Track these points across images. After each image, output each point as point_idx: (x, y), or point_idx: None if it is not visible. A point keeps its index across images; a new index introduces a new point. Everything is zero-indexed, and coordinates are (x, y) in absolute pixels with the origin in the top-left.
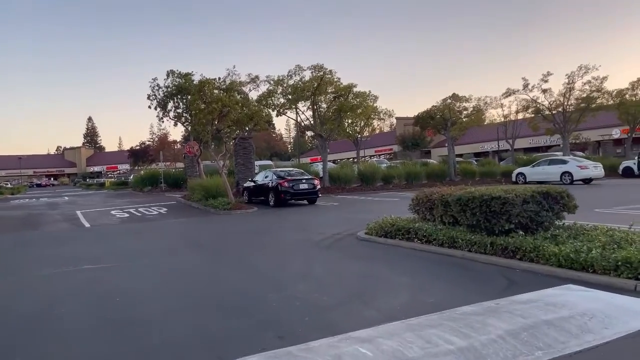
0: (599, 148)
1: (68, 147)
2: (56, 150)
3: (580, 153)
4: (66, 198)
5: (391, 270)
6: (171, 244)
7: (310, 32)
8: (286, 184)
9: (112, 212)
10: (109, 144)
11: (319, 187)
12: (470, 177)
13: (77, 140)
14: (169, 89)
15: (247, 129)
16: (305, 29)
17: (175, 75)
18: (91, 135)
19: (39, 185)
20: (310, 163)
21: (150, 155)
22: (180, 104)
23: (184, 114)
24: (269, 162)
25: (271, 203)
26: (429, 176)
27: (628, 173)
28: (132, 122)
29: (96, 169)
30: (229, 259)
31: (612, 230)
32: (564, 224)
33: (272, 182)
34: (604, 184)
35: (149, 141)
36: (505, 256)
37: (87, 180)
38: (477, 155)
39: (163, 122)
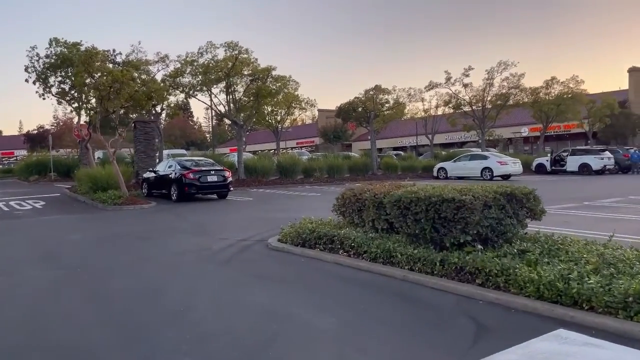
0: (508, 145)
1: None
2: None
3: (493, 150)
4: None
5: (308, 304)
6: (18, 254)
7: (226, 11)
8: (191, 176)
9: None
10: (9, 128)
11: (230, 179)
12: (392, 172)
13: None
14: (51, 60)
15: (149, 111)
16: (221, 7)
17: (60, 44)
18: None
19: None
20: (228, 153)
21: (48, 141)
22: (67, 79)
23: (71, 91)
24: (182, 151)
25: (174, 197)
26: (352, 170)
27: (541, 170)
28: (37, 105)
29: None
30: (84, 282)
31: (591, 243)
32: (526, 233)
33: (176, 173)
34: (521, 180)
35: (52, 126)
36: (461, 279)
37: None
38: (395, 149)
39: (44, 99)
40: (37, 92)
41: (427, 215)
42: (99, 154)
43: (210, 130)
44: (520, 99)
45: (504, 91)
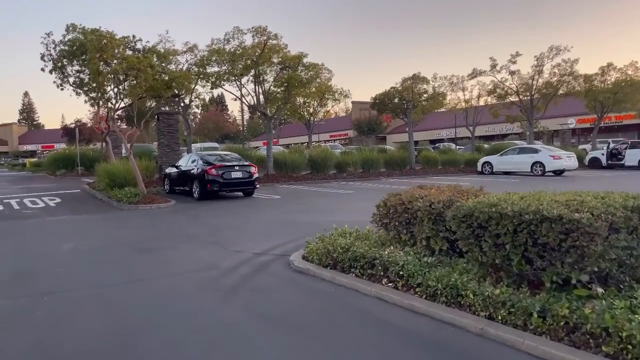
0: (552, 137)
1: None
2: None
3: (539, 142)
4: None
5: None
6: None
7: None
8: (214, 172)
9: None
10: (51, 121)
11: (256, 176)
12: (432, 166)
13: (14, 117)
14: (67, 47)
15: (177, 103)
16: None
17: (78, 30)
18: (27, 111)
19: None
20: (259, 147)
21: (84, 134)
22: (84, 67)
23: (89, 81)
24: (214, 144)
25: (195, 195)
26: (388, 164)
27: (595, 164)
28: (77, 98)
29: (30, 147)
30: (38, 320)
31: None
32: None
33: (198, 169)
34: (577, 176)
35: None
36: (575, 343)
37: (20, 159)
38: (432, 142)
39: (62, 89)
40: (54, 82)
41: (515, 240)
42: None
43: (242, 122)
44: (572, 87)
45: (555, 79)
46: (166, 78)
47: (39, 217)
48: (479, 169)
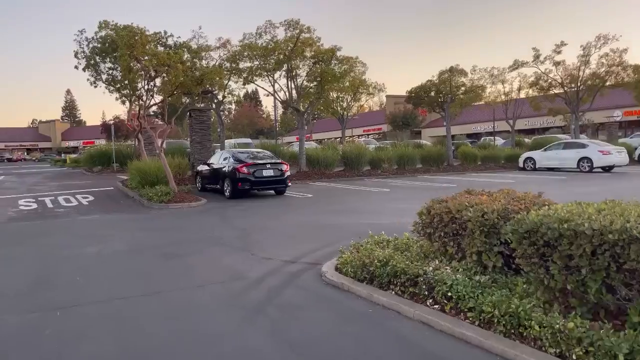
0: (597, 131)
1: (44, 120)
2: (31, 124)
3: (583, 136)
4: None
5: None
6: (6, 278)
7: None
8: (245, 170)
9: (21, 201)
10: (93, 118)
11: (288, 173)
12: (470, 162)
13: (57, 114)
14: (99, 45)
15: (211, 99)
16: None
17: (110, 27)
18: (70, 108)
19: (9, 160)
20: (292, 142)
21: (122, 131)
22: (117, 64)
23: (121, 78)
24: (247, 140)
25: (226, 193)
26: (424, 160)
27: None
28: (112, 97)
29: (72, 143)
30: (44, 340)
31: None
32: None
33: (229, 167)
34: (628, 172)
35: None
36: None
37: (62, 155)
38: (469, 136)
39: (95, 86)
40: (88, 80)
41: (593, 264)
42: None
43: (275, 118)
44: (621, 78)
45: (602, 69)
46: (197, 74)
47: (70, 216)
48: (521, 164)
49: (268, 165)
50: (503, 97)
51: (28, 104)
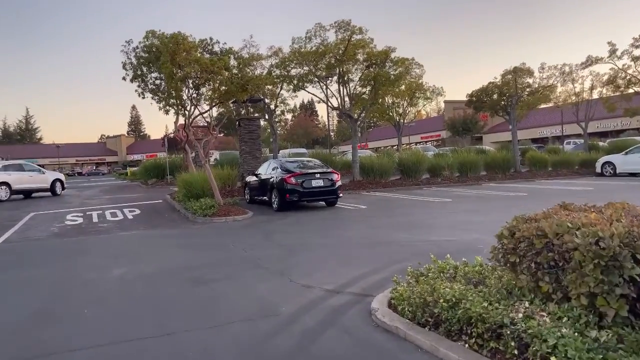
0: None
1: (111, 135)
2: (99, 139)
3: None
4: None
5: None
6: (8, 307)
7: None
8: (293, 180)
9: (70, 215)
10: (157, 132)
11: (339, 184)
12: (540, 168)
13: (124, 130)
14: (145, 54)
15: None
16: None
17: (157, 36)
18: (135, 123)
19: (80, 174)
20: (346, 151)
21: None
22: (161, 74)
23: (165, 87)
24: (302, 150)
25: (274, 206)
26: (489, 167)
27: None
28: (153, 106)
29: (136, 157)
30: None
31: None
32: None
33: (277, 177)
34: None
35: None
36: None
37: (127, 168)
38: (534, 141)
39: (143, 97)
40: (136, 91)
41: None
42: (216, 155)
43: (327, 126)
44: None
45: None
46: (241, 80)
47: (110, 232)
48: (599, 170)
49: (317, 175)
50: (573, 97)
51: (98, 120)
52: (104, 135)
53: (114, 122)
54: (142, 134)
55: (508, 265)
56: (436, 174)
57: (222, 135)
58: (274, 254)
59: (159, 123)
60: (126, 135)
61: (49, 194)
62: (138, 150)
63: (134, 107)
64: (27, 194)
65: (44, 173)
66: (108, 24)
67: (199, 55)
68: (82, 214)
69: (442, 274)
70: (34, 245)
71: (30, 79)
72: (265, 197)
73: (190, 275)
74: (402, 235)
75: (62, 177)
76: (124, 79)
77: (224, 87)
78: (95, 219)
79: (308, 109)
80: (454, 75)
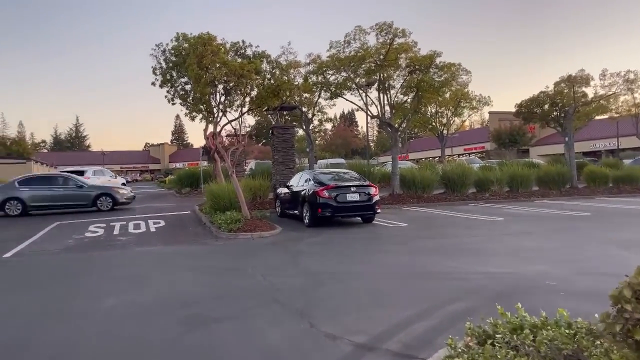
0: None
1: (154, 143)
2: (144, 147)
3: None
4: None
5: None
6: None
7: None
8: (326, 194)
9: (91, 227)
10: (199, 141)
11: (376, 198)
12: (600, 184)
13: (168, 138)
14: (175, 58)
15: (299, 116)
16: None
17: (188, 39)
18: (178, 132)
19: (128, 182)
20: (386, 162)
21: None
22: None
23: (193, 91)
24: (340, 160)
25: (305, 221)
26: (541, 182)
27: None
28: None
29: (178, 165)
30: None
31: None
32: None
33: (309, 190)
34: None
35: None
36: None
37: (169, 176)
38: (586, 154)
39: (173, 103)
40: (165, 96)
41: None
42: (252, 164)
43: (367, 136)
44: None
45: None
46: (273, 84)
47: (126, 247)
48: None
49: (353, 189)
50: (633, 109)
51: (144, 129)
52: (148, 143)
53: (159, 131)
54: (185, 142)
55: (632, 343)
56: (483, 188)
57: (260, 145)
58: (296, 283)
59: (201, 132)
60: (169, 143)
61: None
62: (180, 159)
63: (177, 117)
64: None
65: (115, 178)
66: (157, 35)
67: (226, 57)
68: (104, 225)
69: (513, 335)
70: (40, 262)
71: (81, 88)
72: (296, 211)
73: (189, 312)
74: (450, 263)
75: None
76: (153, 84)
77: (254, 92)
78: (116, 231)
79: (348, 119)
80: (497, 86)
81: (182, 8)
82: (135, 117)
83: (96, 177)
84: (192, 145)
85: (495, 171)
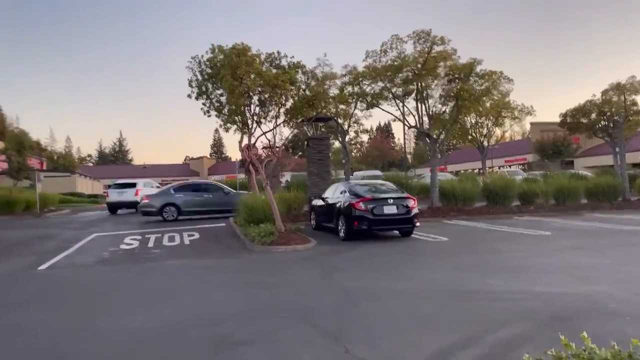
0: None
1: (194, 157)
2: (184, 161)
3: None
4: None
5: None
6: None
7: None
8: (362, 206)
9: (126, 239)
10: (238, 154)
11: (415, 211)
12: None
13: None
14: (210, 70)
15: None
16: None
17: (223, 51)
18: (217, 146)
19: None
20: (423, 174)
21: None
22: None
23: (227, 103)
24: (376, 172)
25: (340, 234)
26: (590, 194)
27: None
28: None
29: (216, 177)
30: None
31: None
32: None
33: (344, 202)
34: None
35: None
36: None
37: None
38: (635, 166)
39: (209, 116)
40: (201, 109)
41: None
42: (288, 176)
43: (404, 147)
44: None
45: None
46: (308, 94)
47: (158, 260)
48: None
49: (390, 201)
50: None
51: (184, 142)
52: (188, 157)
53: (198, 145)
54: (223, 155)
55: None
56: (528, 201)
57: (297, 157)
58: (330, 302)
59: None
60: (208, 157)
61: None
62: (218, 172)
63: (216, 130)
64: None
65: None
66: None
67: (260, 67)
68: (140, 237)
69: None
70: (73, 275)
71: (125, 103)
72: (331, 224)
73: (217, 332)
74: (496, 281)
75: None
76: (189, 96)
77: (289, 103)
78: (150, 244)
79: (384, 130)
80: (537, 95)
81: (223, 22)
82: (176, 131)
83: (146, 189)
84: (230, 158)
85: (540, 183)
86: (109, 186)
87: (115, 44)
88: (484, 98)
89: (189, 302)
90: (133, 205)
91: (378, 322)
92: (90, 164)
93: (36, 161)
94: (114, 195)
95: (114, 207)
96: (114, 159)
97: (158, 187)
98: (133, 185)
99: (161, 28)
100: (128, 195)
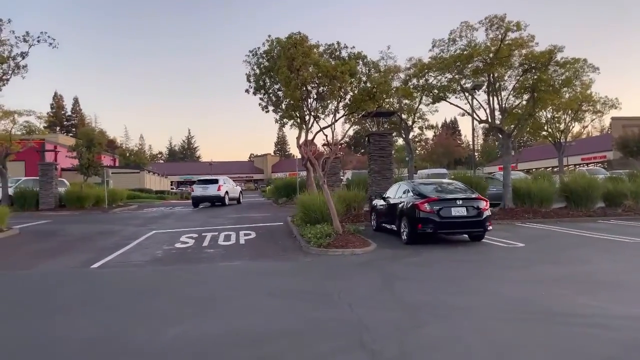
0: None
1: (258, 154)
2: (248, 158)
3: None
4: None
5: None
6: None
7: None
8: (427, 207)
9: (183, 237)
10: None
11: (487, 214)
12: None
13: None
14: (267, 63)
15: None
16: None
17: (282, 44)
18: (281, 143)
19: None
20: (494, 173)
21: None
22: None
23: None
24: (442, 171)
25: (403, 237)
26: None
27: None
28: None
29: (279, 175)
30: None
31: None
32: None
33: (407, 203)
34: None
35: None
36: None
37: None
38: None
39: (267, 111)
40: (259, 104)
41: None
42: (349, 174)
43: (472, 144)
44: None
45: None
46: (368, 85)
47: (212, 261)
48: None
49: (459, 202)
50: None
51: (249, 139)
52: (253, 154)
53: (263, 142)
54: (287, 153)
55: None
56: (614, 202)
57: (358, 154)
58: (389, 319)
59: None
60: (272, 154)
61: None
62: (282, 169)
63: (280, 128)
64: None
65: (236, 186)
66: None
67: (318, 58)
68: (196, 235)
69: None
70: (121, 275)
71: (193, 101)
72: (393, 226)
73: (258, 352)
74: (587, 300)
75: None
76: (247, 91)
77: (348, 96)
78: (206, 243)
79: (450, 127)
80: (617, 87)
81: (290, 18)
82: (241, 128)
83: (226, 185)
84: (293, 155)
85: (627, 183)
86: (193, 182)
87: (184, 44)
88: (565, 89)
89: (234, 313)
90: (215, 199)
91: (446, 348)
92: (161, 161)
93: (109, 158)
94: (199, 191)
95: (197, 201)
96: (182, 156)
97: (233, 184)
98: (215, 181)
99: (230, 27)
100: (211, 190)
